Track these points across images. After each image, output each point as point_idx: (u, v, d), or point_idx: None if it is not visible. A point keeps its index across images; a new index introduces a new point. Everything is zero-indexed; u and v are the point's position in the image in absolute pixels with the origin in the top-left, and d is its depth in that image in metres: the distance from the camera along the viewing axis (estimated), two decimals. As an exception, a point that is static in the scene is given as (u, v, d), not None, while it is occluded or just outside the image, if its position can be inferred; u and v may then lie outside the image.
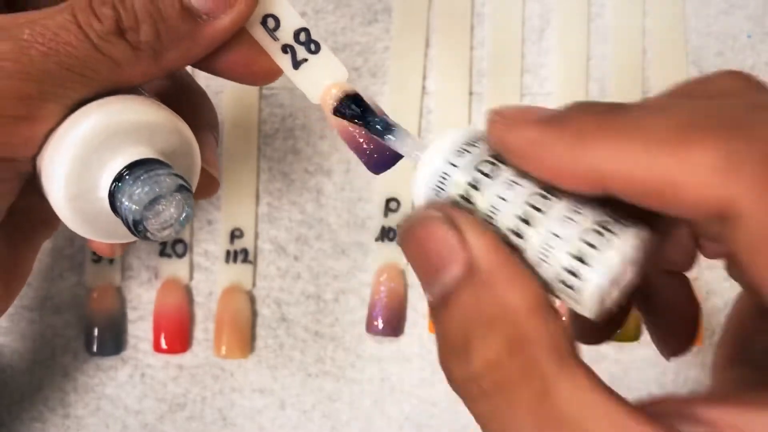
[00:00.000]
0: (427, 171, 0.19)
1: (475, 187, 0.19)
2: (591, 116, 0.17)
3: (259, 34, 0.23)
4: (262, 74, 0.24)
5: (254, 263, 0.39)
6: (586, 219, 0.17)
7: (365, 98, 0.22)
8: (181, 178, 0.22)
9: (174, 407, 0.38)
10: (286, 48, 0.23)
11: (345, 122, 0.22)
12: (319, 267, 0.39)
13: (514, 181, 0.18)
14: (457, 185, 0.19)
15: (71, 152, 0.21)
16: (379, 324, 0.38)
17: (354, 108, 0.22)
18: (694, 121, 0.16)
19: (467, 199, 0.19)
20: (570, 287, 0.17)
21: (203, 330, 0.39)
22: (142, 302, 0.39)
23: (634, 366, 0.38)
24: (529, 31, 0.40)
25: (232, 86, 0.39)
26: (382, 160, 0.23)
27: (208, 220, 0.39)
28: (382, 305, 0.38)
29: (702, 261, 0.38)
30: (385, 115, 0.22)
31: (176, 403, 0.38)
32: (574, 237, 0.17)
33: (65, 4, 0.22)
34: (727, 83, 0.18)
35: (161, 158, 0.22)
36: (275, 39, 0.23)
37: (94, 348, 0.38)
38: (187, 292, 0.39)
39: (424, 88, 0.40)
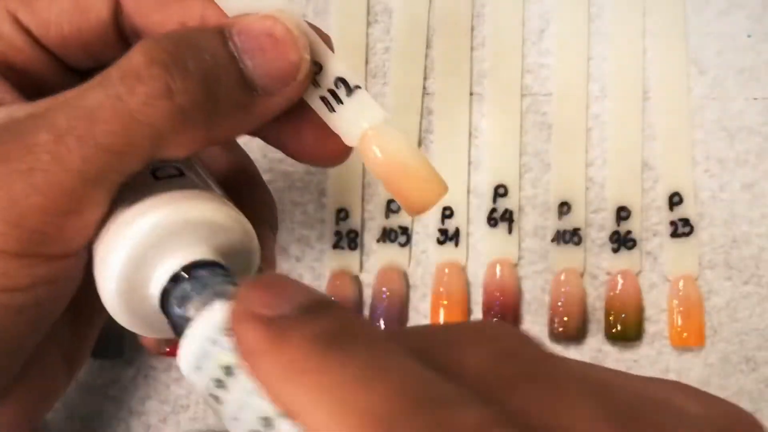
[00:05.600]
0: (192, 341, 0.18)
1: (222, 386, 0.17)
2: (304, 348, 0.15)
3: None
4: (331, 157, 0.23)
5: (256, 265, 0.39)
6: None
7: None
8: (235, 284, 0.20)
9: (177, 409, 0.39)
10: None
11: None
12: (321, 268, 0.39)
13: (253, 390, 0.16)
14: (214, 365, 0.17)
15: (127, 248, 0.20)
16: (381, 325, 0.38)
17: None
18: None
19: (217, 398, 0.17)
20: None
21: (205, 331, 0.39)
22: (145, 304, 0.39)
23: (636, 366, 0.38)
24: (529, 31, 0.40)
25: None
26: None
27: (209, 221, 0.39)
28: (383, 306, 0.38)
29: (702, 260, 0.38)
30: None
31: (179, 404, 0.39)
32: None
33: (105, 73, 0.20)
34: (478, 364, 0.16)
35: (220, 260, 0.21)
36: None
37: (97, 350, 0.38)
38: (190, 294, 0.39)
39: (424, 88, 0.40)
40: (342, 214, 0.39)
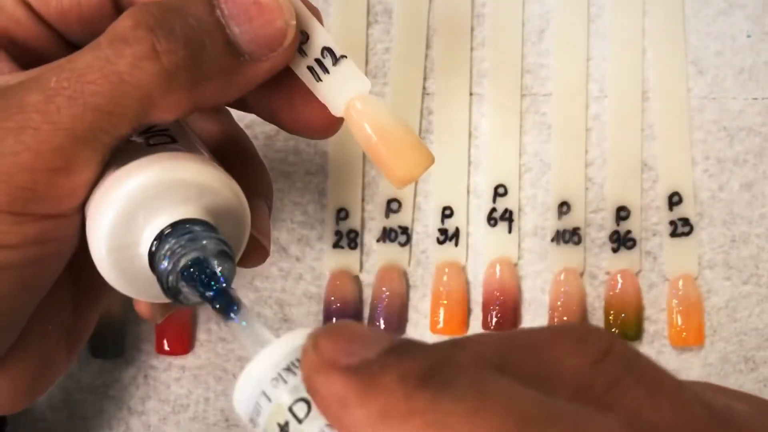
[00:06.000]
0: (243, 394, 0.17)
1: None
2: (401, 390, 0.14)
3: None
4: (321, 127, 0.24)
5: (256, 264, 0.39)
6: None
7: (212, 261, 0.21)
8: (224, 243, 0.21)
9: (177, 408, 0.39)
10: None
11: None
12: (321, 268, 0.39)
13: None
14: (269, 423, 0.16)
15: (116, 206, 0.21)
16: (381, 324, 0.38)
17: (193, 278, 0.20)
18: None
19: None
20: None
21: (206, 331, 0.39)
22: (145, 304, 0.39)
23: (635, 365, 0.38)
24: (529, 31, 0.40)
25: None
26: None
27: (210, 221, 0.39)
28: (383, 305, 0.38)
29: (702, 260, 0.38)
30: (230, 288, 0.20)
31: (179, 404, 0.39)
32: None
33: (96, 39, 0.21)
34: (574, 370, 0.15)
35: (208, 220, 0.21)
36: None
37: (97, 350, 0.38)
38: (190, 294, 0.39)
39: (424, 89, 0.40)
40: (342, 214, 0.39)
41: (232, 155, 0.26)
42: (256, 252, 0.25)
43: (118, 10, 0.24)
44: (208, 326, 0.39)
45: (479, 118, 0.40)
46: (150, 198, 0.21)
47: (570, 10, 0.40)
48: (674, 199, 0.38)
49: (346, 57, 0.23)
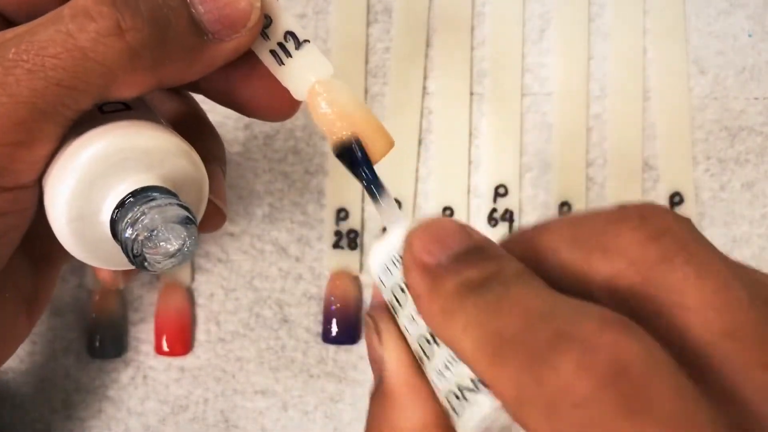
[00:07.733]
0: (376, 260, 0.20)
1: (395, 304, 0.20)
2: (458, 296, 0.18)
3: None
4: (280, 110, 0.24)
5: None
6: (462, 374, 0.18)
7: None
8: (186, 209, 0.21)
9: (176, 409, 0.38)
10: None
11: None
12: (321, 268, 0.39)
13: (414, 317, 0.19)
14: (393, 286, 0.20)
15: (75, 176, 0.21)
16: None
17: (357, 160, 0.22)
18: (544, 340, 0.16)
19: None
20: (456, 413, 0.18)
21: (205, 332, 0.39)
22: (144, 304, 0.39)
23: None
24: (529, 31, 0.40)
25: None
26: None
27: (209, 221, 0.39)
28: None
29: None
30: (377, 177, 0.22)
31: (178, 405, 0.38)
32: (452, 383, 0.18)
33: (57, 11, 0.21)
34: (631, 243, 0.18)
35: (168, 186, 0.21)
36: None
37: (96, 350, 0.38)
38: (189, 294, 0.39)
39: (424, 88, 0.40)
40: (342, 214, 0.39)
41: (187, 124, 0.26)
42: (214, 216, 0.25)
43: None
44: (208, 327, 0.39)
45: (479, 118, 0.39)
46: (108, 166, 0.21)
47: (571, 9, 0.40)
48: (675, 199, 0.38)
49: (309, 41, 0.23)
